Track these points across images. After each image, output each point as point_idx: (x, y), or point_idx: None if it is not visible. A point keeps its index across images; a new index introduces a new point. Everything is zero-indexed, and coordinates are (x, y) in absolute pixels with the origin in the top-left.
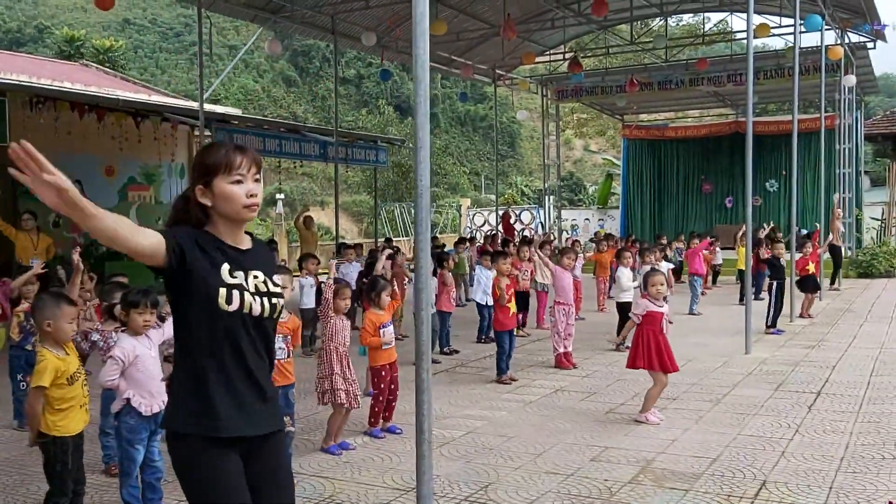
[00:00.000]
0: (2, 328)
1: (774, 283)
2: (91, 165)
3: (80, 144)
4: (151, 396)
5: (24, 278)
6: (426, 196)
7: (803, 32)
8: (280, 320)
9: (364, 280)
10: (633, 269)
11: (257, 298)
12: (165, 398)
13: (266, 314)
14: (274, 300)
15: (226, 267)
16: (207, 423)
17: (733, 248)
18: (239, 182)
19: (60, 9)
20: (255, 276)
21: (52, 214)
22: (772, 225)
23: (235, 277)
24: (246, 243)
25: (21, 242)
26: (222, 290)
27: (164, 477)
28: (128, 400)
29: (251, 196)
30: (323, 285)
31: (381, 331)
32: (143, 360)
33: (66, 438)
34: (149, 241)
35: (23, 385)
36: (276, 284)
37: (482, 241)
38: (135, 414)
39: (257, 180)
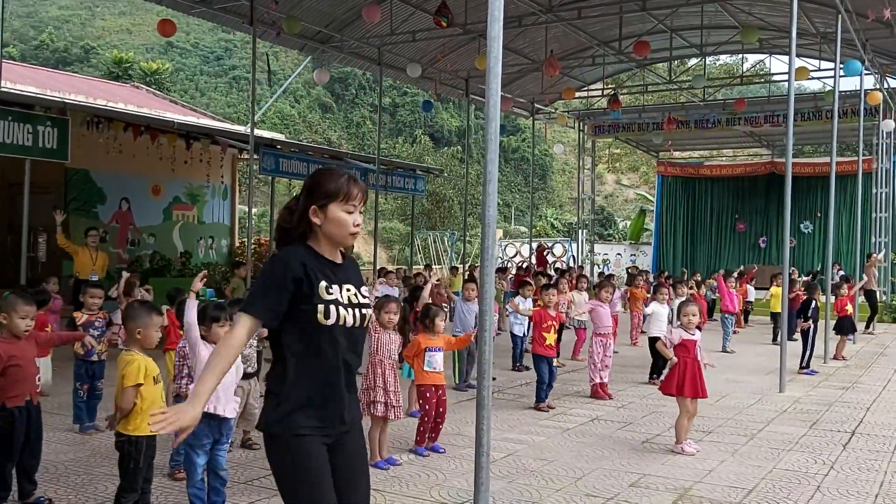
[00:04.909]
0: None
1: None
2: (139, 184)
3: (130, 164)
4: (215, 398)
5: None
6: (493, 226)
7: (843, 77)
8: None
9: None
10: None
11: (350, 310)
12: (232, 406)
13: (357, 324)
14: (364, 310)
15: (323, 284)
16: (302, 421)
17: (767, 289)
18: (350, 212)
19: (107, 31)
20: (348, 290)
21: (101, 230)
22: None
23: (331, 293)
24: (338, 258)
25: (81, 258)
26: (320, 307)
27: (226, 483)
28: None
29: (356, 225)
30: None
31: (430, 354)
32: None
33: (141, 439)
34: (244, 340)
35: (80, 393)
36: (364, 296)
37: (516, 272)
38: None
39: (361, 212)
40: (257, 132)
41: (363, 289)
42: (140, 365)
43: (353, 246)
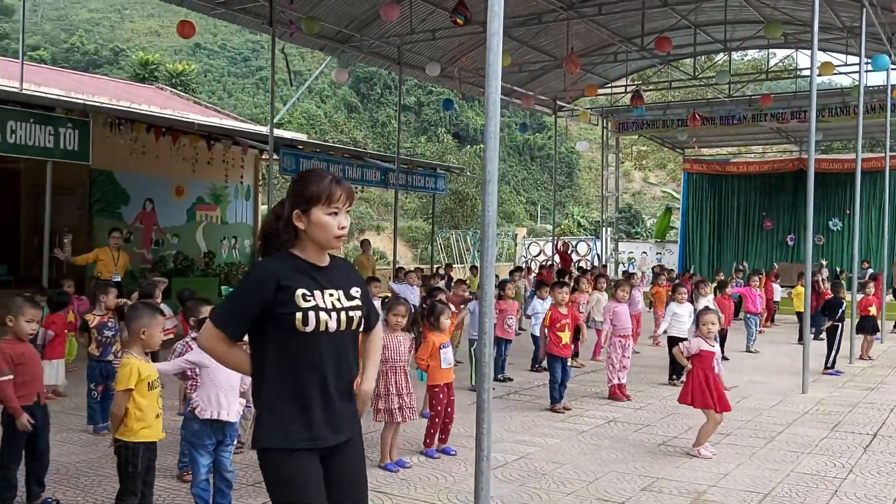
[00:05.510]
0: (72, 337)
1: (834, 325)
2: (163, 185)
3: (153, 165)
4: (217, 405)
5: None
6: (493, 226)
7: (869, 71)
8: None
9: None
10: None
11: (332, 315)
12: (236, 409)
13: (343, 328)
14: (351, 313)
15: (300, 292)
16: (293, 436)
17: (794, 287)
18: (334, 214)
19: (136, 33)
20: (331, 294)
21: (125, 231)
22: (824, 264)
23: (308, 300)
24: (324, 261)
25: (104, 260)
26: (299, 315)
27: (232, 485)
28: (195, 404)
29: (341, 228)
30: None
31: (444, 351)
32: (213, 370)
33: (138, 445)
34: (226, 351)
35: (94, 394)
36: (351, 297)
37: (538, 271)
38: (198, 419)
39: (348, 212)
40: (278, 132)
41: (353, 290)
42: (133, 369)
43: (358, 257)
